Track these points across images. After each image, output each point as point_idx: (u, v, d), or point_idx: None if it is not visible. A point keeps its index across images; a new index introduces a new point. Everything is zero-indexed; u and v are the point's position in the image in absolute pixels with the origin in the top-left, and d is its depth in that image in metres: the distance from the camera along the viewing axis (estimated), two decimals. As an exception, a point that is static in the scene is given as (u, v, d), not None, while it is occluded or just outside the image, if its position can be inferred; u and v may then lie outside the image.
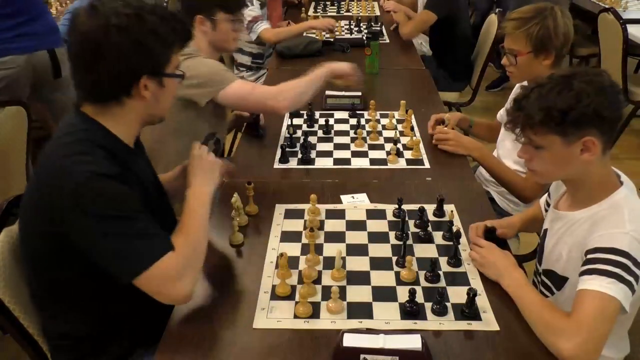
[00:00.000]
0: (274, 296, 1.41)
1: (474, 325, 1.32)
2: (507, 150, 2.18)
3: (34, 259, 1.39)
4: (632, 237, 1.26)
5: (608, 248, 1.26)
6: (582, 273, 1.27)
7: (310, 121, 2.38)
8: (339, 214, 1.76)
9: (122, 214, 1.26)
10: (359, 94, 2.61)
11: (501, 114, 2.39)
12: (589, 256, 1.28)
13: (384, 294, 1.42)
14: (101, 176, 1.25)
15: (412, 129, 2.29)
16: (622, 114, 1.32)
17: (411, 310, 1.35)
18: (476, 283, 1.46)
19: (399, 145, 2.13)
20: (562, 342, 1.21)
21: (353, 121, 2.39)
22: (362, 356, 1.17)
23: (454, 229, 1.60)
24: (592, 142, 1.28)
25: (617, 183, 1.37)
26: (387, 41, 3.62)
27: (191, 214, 1.41)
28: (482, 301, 1.39)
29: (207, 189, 1.49)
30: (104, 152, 1.31)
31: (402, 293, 1.41)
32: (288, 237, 1.65)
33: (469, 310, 1.35)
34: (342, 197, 1.85)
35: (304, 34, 3.72)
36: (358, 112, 2.45)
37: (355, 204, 1.82)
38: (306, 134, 2.19)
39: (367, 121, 2.38)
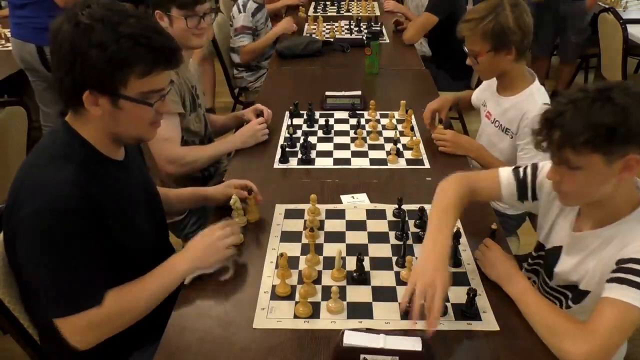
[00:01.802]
0: (274, 296, 1.41)
1: (474, 325, 1.32)
2: (484, 144, 2.19)
3: (11, 259, 1.39)
4: None
5: None
6: (611, 280, 1.23)
7: (310, 121, 2.38)
8: (339, 214, 1.76)
9: (61, 254, 1.25)
10: (359, 93, 2.62)
11: (474, 98, 2.39)
12: (621, 265, 1.23)
13: (384, 294, 1.42)
14: (56, 209, 1.24)
15: (412, 129, 2.29)
16: None
17: (411, 310, 1.35)
18: (476, 283, 1.46)
19: (399, 145, 2.13)
20: (568, 345, 1.19)
21: (353, 121, 2.39)
22: (362, 356, 1.17)
23: (454, 229, 1.60)
24: (637, 160, 1.20)
25: None
26: (387, 41, 3.62)
27: (149, 283, 1.39)
28: (482, 301, 1.39)
29: (191, 267, 1.43)
30: (78, 168, 1.29)
31: (402, 293, 1.40)
32: (288, 237, 1.65)
33: (469, 310, 1.35)
34: (342, 197, 1.85)
35: (304, 34, 3.73)
36: (358, 112, 2.45)
37: (355, 204, 1.82)
38: (306, 134, 2.19)
39: (367, 121, 2.37)
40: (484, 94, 2.29)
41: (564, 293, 1.46)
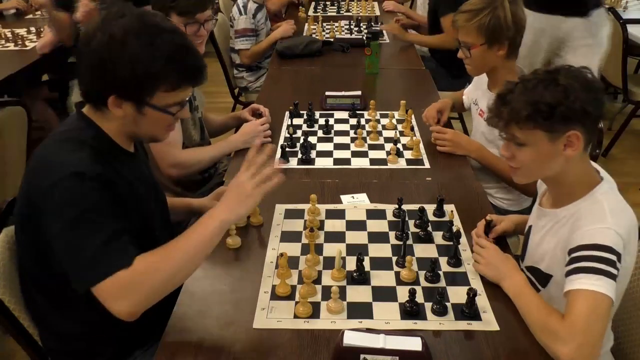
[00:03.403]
0: (274, 296, 1.41)
1: (474, 325, 1.32)
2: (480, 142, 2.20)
3: (23, 251, 1.40)
4: (614, 232, 1.25)
5: (591, 245, 1.25)
6: (569, 273, 1.27)
7: (310, 121, 2.38)
8: (339, 214, 1.76)
9: (87, 217, 1.24)
10: (359, 93, 2.62)
11: (465, 98, 2.41)
12: (572, 255, 1.28)
13: (384, 294, 1.42)
14: (78, 175, 1.24)
15: (412, 129, 2.29)
16: (604, 112, 1.32)
17: (411, 310, 1.35)
18: (476, 283, 1.46)
19: (399, 145, 2.13)
20: (559, 346, 1.20)
21: (353, 121, 2.39)
22: (362, 356, 1.17)
23: (454, 229, 1.60)
24: (577, 136, 1.28)
25: (598, 178, 1.37)
26: (387, 41, 3.62)
27: (189, 237, 1.29)
28: (482, 301, 1.39)
29: (227, 217, 1.31)
30: (92, 151, 1.31)
31: (402, 293, 1.41)
32: (288, 237, 1.65)
33: (469, 310, 1.35)
34: (342, 197, 1.85)
35: (304, 34, 3.73)
36: (358, 112, 2.45)
37: (355, 204, 1.82)
38: (306, 134, 2.19)
39: (367, 121, 2.38)
40: (475, 93, 2.30)
41: (530, 279, 1.48)
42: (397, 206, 1.73)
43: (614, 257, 1.23)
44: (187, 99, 1.40)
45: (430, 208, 1.74)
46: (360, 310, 1.37)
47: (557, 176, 1.38)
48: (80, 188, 1.25)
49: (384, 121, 2.38)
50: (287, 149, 2.11)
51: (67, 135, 1.36)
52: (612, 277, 1.22)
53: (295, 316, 1.35)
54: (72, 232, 1.25)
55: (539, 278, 1.47)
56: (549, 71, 1.32)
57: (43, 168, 1.30)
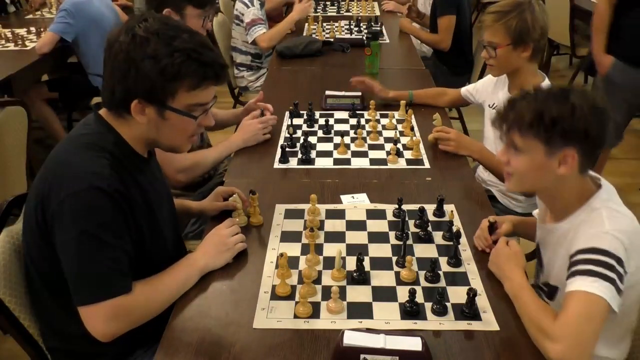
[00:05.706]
0: (274, 296, 1.42)
1: (474, 325, 1.32)
2: (490, 147, 2.21)
3: (31, 251, 1.40)
4: (612, 236, 1.26)
5: (588, 248, 1.26)
6: (567, 277, 1.28)
7: (310, 121, 2.38)
8: (339, 214, 1.76)
9: (98, 234, 1.27)
10: (359, 93, 2.62)
11: (466, 91, 2.46)
12: (572, 259, 1.29)
13: (384, 294, 1.42)
14: (96, 189, 1.27)
15: (412, 129, 2.29)
16: (605, 140, 1.32)
17: (411, 310, 1.35)
18: (476, 283, 1.46)
19: (399, 145, 2.13)
20: (549, 344, 1.21)
21: (353, 121, 2.39)
22: (362, 356, 1.17)
23: (454, 229, 1.60)
24: (572, 156, 1.29)
25: (593, 188, 1.38)
26: (387, 41, 3.62)
27: (171, 276, 1.42)
28: (482, 301, 1.39)
29: (205, 265, 1.48)
30: (112, 159, 1.33)
31: (402, 293, 1.41)
32: (288, 237, 1.65)
33: (469, 310, 1.35)
34: (342, 197, 1.85)
35: (304, 34, 3.73)
36: (358, 112, 2.45)
37: (355, 204, 1.82)
38: (306, 134, 2.18)
39: (367, 121, 2.38)
40: (493, 96, 2.28)
41: (543, 289, 1.50)
42: (397, 206, 1.73)
43: (612, 261, 1.23)
44: (210, 102, 1.40)
45: (430, 208, 1.74)
46: (360, 310, 1.37)
47: (550, 191, 1.40)
48: (96, 203, 1.27)
49: (384, 121, 2.38)
50: (287, 149, 2.11)
51: (87, 140, 1.36)
52: (610, 280, 1.22)
53: (295, 316, 1.35)
54: (81, 245, 1.27)
55: (549, 292, 1.47)
56: (563, 88, 1.34)
57: (62, 175, 1.31)
